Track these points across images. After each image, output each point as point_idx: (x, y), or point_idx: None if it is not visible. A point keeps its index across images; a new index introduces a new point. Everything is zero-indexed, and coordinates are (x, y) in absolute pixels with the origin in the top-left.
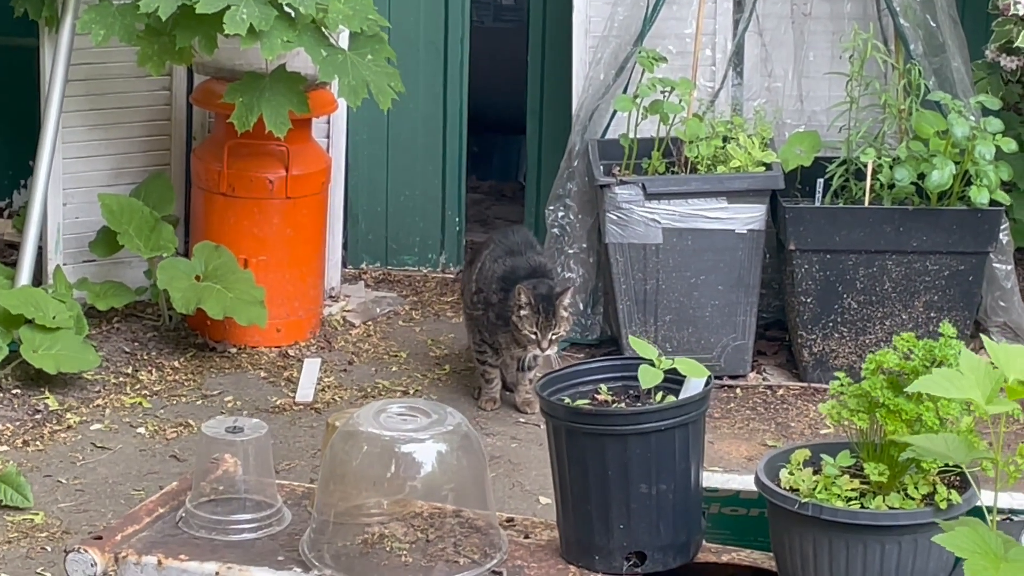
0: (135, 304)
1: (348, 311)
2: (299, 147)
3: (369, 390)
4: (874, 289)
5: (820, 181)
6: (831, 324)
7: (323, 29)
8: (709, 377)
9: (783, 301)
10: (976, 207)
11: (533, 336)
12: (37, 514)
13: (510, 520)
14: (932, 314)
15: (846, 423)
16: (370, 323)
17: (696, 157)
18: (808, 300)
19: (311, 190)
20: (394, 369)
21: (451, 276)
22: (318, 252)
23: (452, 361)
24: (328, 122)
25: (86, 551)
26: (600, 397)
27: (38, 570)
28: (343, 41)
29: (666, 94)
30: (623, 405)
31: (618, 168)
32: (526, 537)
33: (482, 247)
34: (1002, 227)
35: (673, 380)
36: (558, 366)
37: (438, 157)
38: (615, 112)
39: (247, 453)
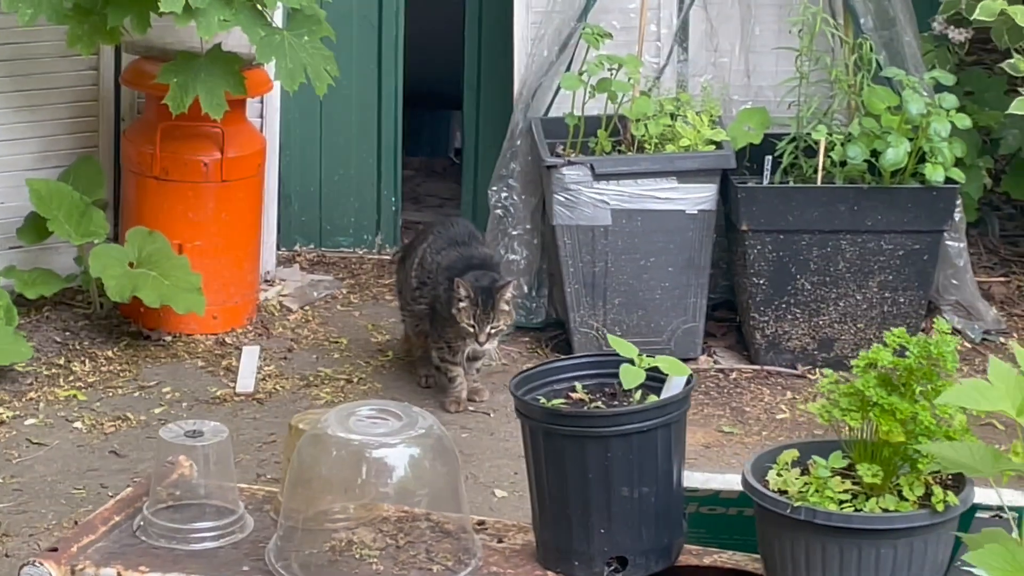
0: (64, 291)
1: (285, 296)
2: (234, 128)
3: (311, 378)
4: (828, 269)
5: (768, 159)
6: (784, 306)
7: (260, 7)
8: (691, 376)
9: (731, 281)
10: (931, 185)
11: (472, 329)
12: None
13: (481, 523)
14: (887, 294)
15: (836, 423)
16: (308, 308)
17: (644, 136)
18: (761, 281)
19: (247, 172)
20: (335, 356)
21: (387, 257)
22: (254, 236)
23: (394, 347)
24: (262, 101)
25: (41, 564)
26: (575, 396)
27: None
28: (278, 19)
29: (614, 72)
30: (600, 404)
31: (563, 147)
32: (499, 541)
33: (416, 240)
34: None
35: (652, 379)
36: (497, 361)
37: (372, 135)
38: (559, 90)
39: (207, 459)
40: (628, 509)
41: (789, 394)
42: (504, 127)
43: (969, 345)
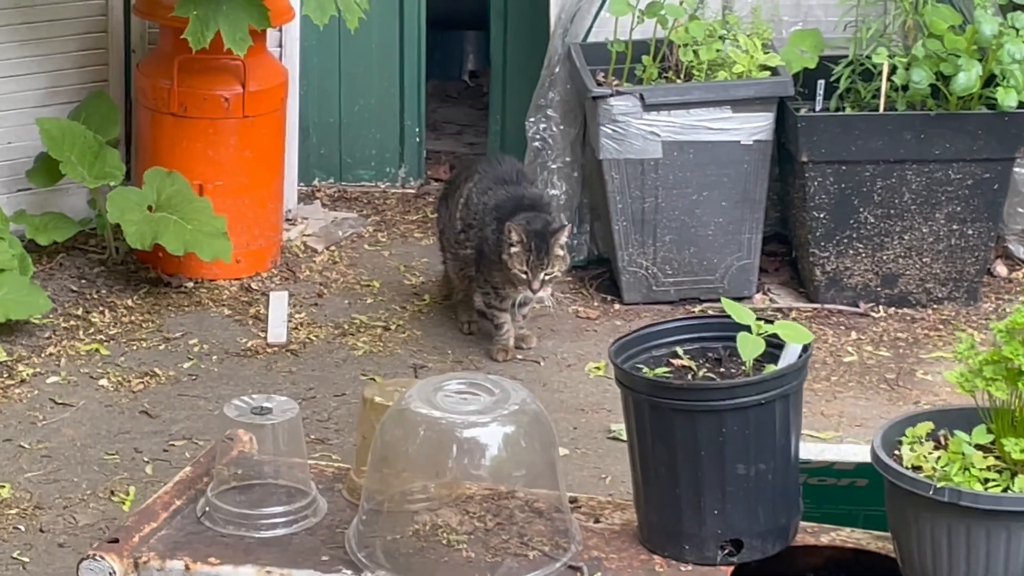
0: (76, 236)
1: (308, 236)
2: (255, 60)
3: (346, 326)
4: (892, 201)
5: (821, 83)
6: (846, 240)
7: None
8: (808, 343)
9: (782, 213)
10: (1003, 110)
11: (524, 276)
12: (3, 487)
13: (573, 500)
14: (954, 226)
15: (978, 392)
16: (333, 248)
17: (693, 62)
18: (821, 215)
19: (269, 107)
20: (369, 301)
21: (412, 191)
22: (277, 174)
23: (430, 290)
24: (280, 30)
25: (102, 557)
26: (678, 362)
27: (14, 555)
28: None
29: None
30: (705, 371)
31: (604, 75)
32: (596, 521)
33: (459, 178)
34: None
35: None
36: (553, 307)
37: (394, 62)
38: (598, 13)
39: (277, 438)
40: (743, 488)
41: (854, 334)
42: (533, 49)
43: None
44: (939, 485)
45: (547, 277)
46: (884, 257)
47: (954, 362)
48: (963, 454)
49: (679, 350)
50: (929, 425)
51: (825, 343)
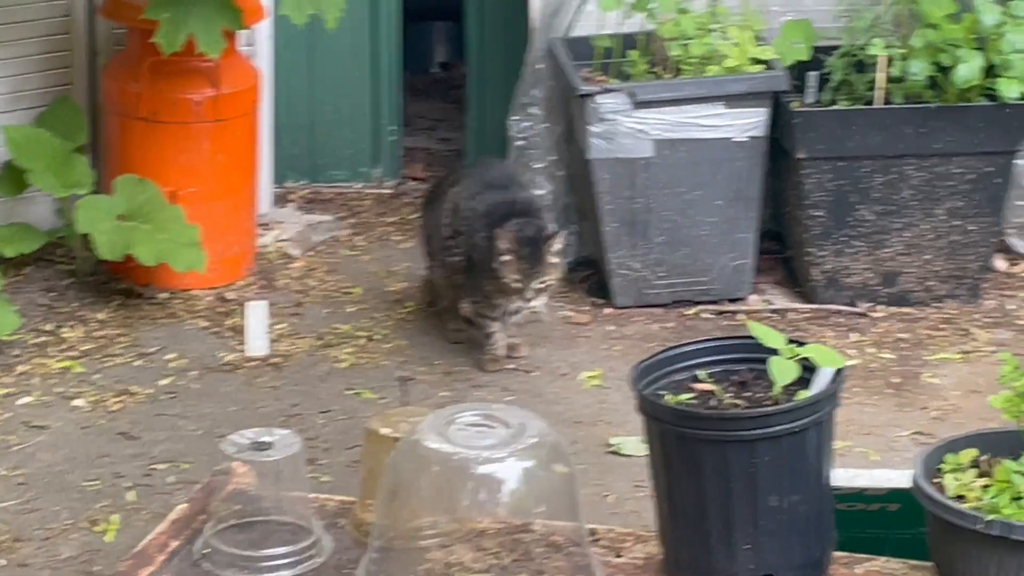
0: (43, 247)
1: (284, 241)
2: (226, 62)
3: (328, 337)
4: (892, 198)
5: (812, 76)
6: (844, 239)
7: None
8: (841, 367)
9: (775, 209)
10: (1005, 102)
11: (517, 285)
12: None
13: (591, 533)
14: (956, 222)
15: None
16: (310, 253)
17: (682, 56)
18: (819, 213)
19: (242, 110)
20: (350, 310)
21: (388, 191)
22: (251, 179)
23: (413, 296)
24: (251, 30)
25: None
26: (700, 386)
27: None
28: None
29: None
30: (729, 396)
31: (588, 71)
32: (617, 555)
33: (446, 182)
34: None
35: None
36: (548, 315)
37: (366, 57)
38: (581, 6)
39: (279, 474)
40: (776, 521)
41: (854, 335)
42: (511, 42)
43: None
44: (988, 518)
45: (541, 286)
46: (883, 255)
47: (960, 364)
48: (1011, 483)
49: (701, 373)
50: (973, 452)
51: (829, 346)
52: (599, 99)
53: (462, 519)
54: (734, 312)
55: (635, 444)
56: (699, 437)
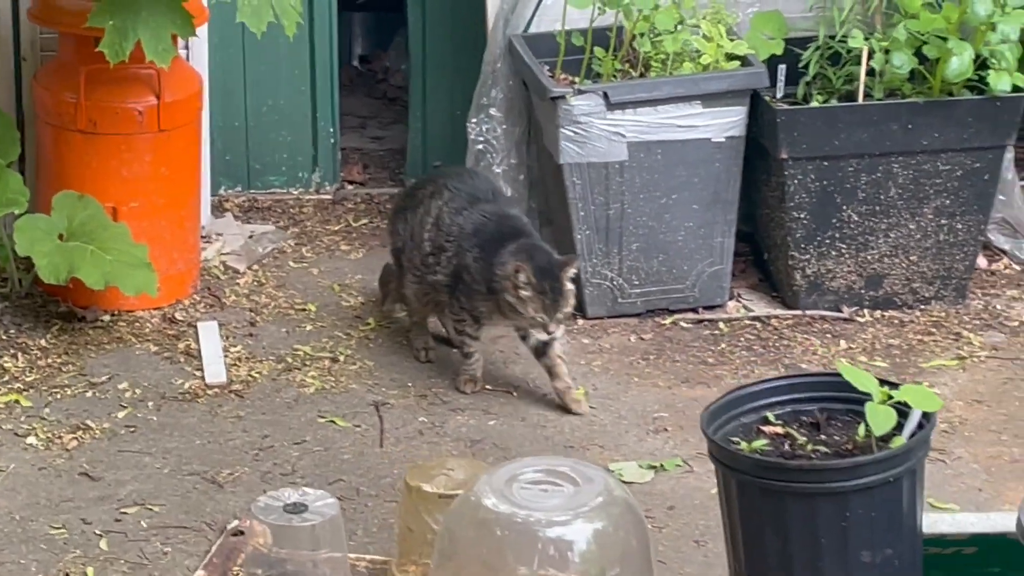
0: None
1: (227, 254)
2: (169, 67)
3: (289, 360)
4: (878, 197)
5: (782, 69)
6: (828, 241)
7: None
8: (933, 412)
9: (749, 211)
10: (994, 95)
11: (540, 320)
12: None
13: None
14: (943, 221)
15: None
16: (256, 267)
17: (651, 53)
18: (801, 215)
19: (186, 119)
20: (308, 328)
21: (328, 197)
22: (194, 191)
23: (372, 312)
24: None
25: None
26: (770, 429)
27: None
28: None
29: None
30: (804, 439)
31: (550, 69)
32: None
33: (421, 192)
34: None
35: (857, 401)
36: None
37: (304, 54)
38: (540, 1)
39: (319, 539)
40: None
41: (843, 343)
42: (456, 38)
43: (1018, 268)
44: None
45: (561, 316)
46: (869, 257)
47: (958, 371)
48: None
49: (770, 415)
50: None
51: (814, 354)
52: (571, 101)
53: None
54: (713, 320)
55: (636, 470)
56: (785, 490)
